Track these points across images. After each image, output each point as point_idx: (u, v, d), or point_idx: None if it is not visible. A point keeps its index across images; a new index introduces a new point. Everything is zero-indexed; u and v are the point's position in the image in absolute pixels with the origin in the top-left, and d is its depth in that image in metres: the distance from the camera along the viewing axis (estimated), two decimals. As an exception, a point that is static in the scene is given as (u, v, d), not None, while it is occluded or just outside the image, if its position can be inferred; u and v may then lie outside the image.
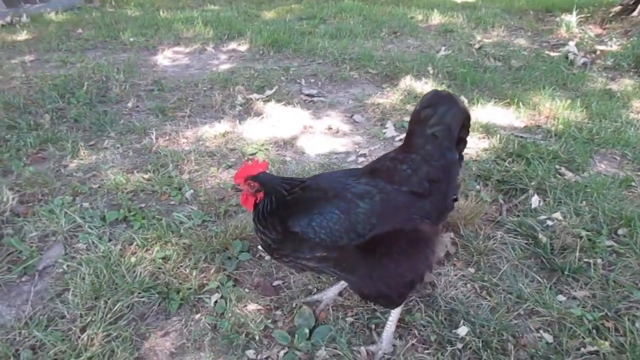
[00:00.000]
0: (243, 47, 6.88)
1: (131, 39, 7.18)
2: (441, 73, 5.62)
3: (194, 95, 5.14)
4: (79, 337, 2.19)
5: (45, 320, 2.30)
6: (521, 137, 4.23)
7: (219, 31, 7.49)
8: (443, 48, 6.64)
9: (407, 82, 5.30)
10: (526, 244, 2.91)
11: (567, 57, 6.48)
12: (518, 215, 3.17)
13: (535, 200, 3.29)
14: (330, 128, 4.42)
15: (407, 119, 4.51)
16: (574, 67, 6.22)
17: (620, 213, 3.10)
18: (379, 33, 7.62)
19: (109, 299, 2.38)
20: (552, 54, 6.78)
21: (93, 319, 2.27)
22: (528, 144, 3.99)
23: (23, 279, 2.61)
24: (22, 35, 7.44)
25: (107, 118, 4.46)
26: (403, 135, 4.16)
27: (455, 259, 2.82)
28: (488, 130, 4.31)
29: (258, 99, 4.90)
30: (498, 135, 4.17)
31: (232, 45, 6.99)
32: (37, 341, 2.20)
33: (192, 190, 3.35)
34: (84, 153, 3.85)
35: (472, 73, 5.59)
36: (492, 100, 4.90)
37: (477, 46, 6.95)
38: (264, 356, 2.19)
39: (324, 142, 4.19)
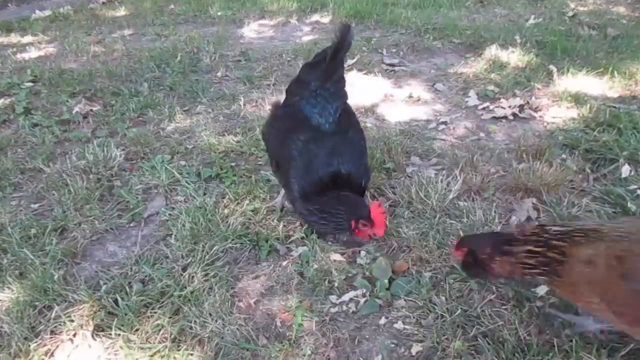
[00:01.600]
0: (326, 19, 6.97)
1: (219, 13, 7.50)
2: (529, 42, 5.40)
3: (279, 65, 5.33)
4: (181, 275, 2.46)
5: (152, 260, 2.59)
6: (614, 106, 4.02)
7: (302, 4, 7.62)
8: (532, 16, 6.35)
9: (492, 51, 5.15)
10: (613, 212, 2.82)
11: (671, 25, 5.98)
12: (606, 185, 3.06)
13: (626, 170, 3.15)
14: (411, 96, 4.44)
15: (491, 87, 4.44)
16: (678, 34, 5.73)
17: None
18: (464, 2, 7.40)
19: (206, 243, 2.63)
20: (655, 21, 6.27)
21: (193, 260, 2.53)
22: (621, 114, 3.79)
23: (131, 225, 2.93)
24: (121, 12, 8.00)
25: (199, 86, 4.77)
26: (486, 104, 4.16)
27: (536, 223, 2.80)
28: (578, 99, 4.14)
29: (339, 69, 4.99)
30: (588, 105, 3.99)
31: (315, 17, 7.10)
32: (145, 276, 2.49)
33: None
34: (179, 117, 4.17)
35: (563, 41, 5.33)
36: (583, 70, 4.66)
37: (570, 14, 6.58)
38: (346, 300, 2.34)
39: (404, 110, 4.22)
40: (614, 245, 1.70)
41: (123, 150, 3.67)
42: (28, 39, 6.83)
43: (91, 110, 4.33)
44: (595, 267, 1.70)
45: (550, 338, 2.09)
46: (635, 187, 3.02)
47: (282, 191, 2.87)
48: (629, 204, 2.83)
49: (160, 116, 4.23)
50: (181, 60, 5.43)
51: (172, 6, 8.07)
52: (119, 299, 2.31)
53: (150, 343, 2.11)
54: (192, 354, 2.08)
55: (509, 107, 4.04)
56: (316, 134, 2.56)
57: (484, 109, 4.13)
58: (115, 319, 2.22)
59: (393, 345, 2.14)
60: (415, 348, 2.11)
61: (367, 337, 2.19)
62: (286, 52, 5.63)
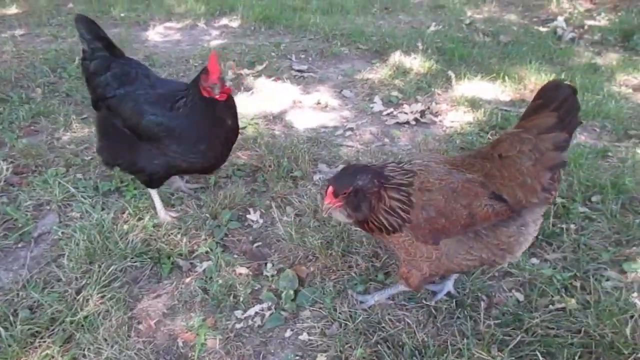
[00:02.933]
0: (235, 23, 6.88)
1: (122, 14, 7.15)
2: (430, 48, 5.68)
3: (185, 70, 5.18)
4: (75, 299, 2.31)
5: (42, 283, 2.42)
6: (505, 110, 4.32)
7: (210, 7, 7.46)
8: (433, 24, 6.67)
9: (396, 57, 5.35)
10: (504, 211, 3.02)
11: (555, 32, 6.55)
12: (498, 185, 3.28)
13: (514, 171, 3.39)
14: (319, 103, 4.50)
15: (395, 93, 4.61)
16: (561, 42, 6.29)
17: (595, 181, 3.23)
18: (370, 9, 7.63)
19: (102, 263, 2.49)
20: (541, 29, 6.84)
21: (88, 282, 2.39)
22: (511, 117, 4.09)
23: (19, 245, 2.72)
24: (12, 9, 7.38)
25: (99, 93, 4.51)
26: (390, 110, 4.31)
27: (435, 225, 2.94)
28: (473, 104, 4.41)
29: (248, 74, 4.96)
30: (483, 109, 4.26)
31: (224, 21, 6.99)
32: (34, 302, 2.31)
33: (182, 162, 3.44)
34: (76, 126, 3.92)
35: (460, 48, 5.65)
36: (479, 75, 4.98)
37: (467, 22, 6.99)
38: (252, 315, 2.32)
39: (312, 117, 4.27)
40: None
41: (11, 163, 3.39)
42: None
43: (-27, 120, 3.96)
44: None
45: (446, 338, 2.21)
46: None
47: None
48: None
49: (54, 125, 3.95)
50: (79, 64, 5.09)
51: (71, 5, 7.59)
52: (1, 329, 2.12)
53: (37, 378, 1.97)
54: (85, 385, 1.96)
55: (411, 112, 4.22)
56: None
57: (388, 114, 4.28)
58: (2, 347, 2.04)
59: (298, 358, 2.15)
60: (320, 358, 2.14)
61: (272, 351, 2.19)
62: (193, 57, 5.49)
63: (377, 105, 4.41)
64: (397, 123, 4.14)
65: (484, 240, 2.00)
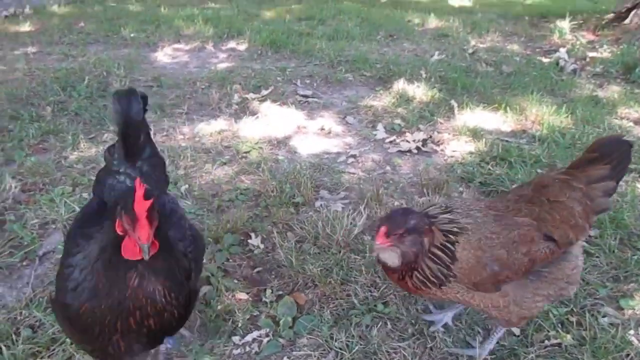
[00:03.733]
0: (242, 47, 7.02)
1: (132, 35, 7.31)
2: (433, 77, 5.77)
3: (192, 92, 5.28)
4: (77, 319, 2.34)
5: (44, 302, 2.45)
6: (506, 141, 4.39)
7: (219, 29, 7.63)
8: (437, 52, 6.79)
9: (400, 85, 5.44)
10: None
11: (557, 63, 6.64)
12: (497, 217, 3.32)
13: (514, 202, 3.44)
14: (323, 129, 4.57)
15: (398, 121, 4.68)
16: (563, 73, 6.38)
17: (593, 216, 3.25)
18: (375, 36, 7.77)
19: (105, 284, 2.52)
20: (543, 59, 6.95)
21: (90, 303, 2.42)
22: (512, 148, 4.15)
23: (24, 263, 2.76)
24: (25, 27, 7.57)
25: (107, 112, 4.60)
26: (393, 138, 4.38)
27: (434, 256, 2.97)
28: (475, 134, 4.47)
29: (254, 99, 5.05)
30: (484, 139, 4.33)
31: (232, 44, 7.13)
32: (36, 321, 2.35)
33: (187, 185, 3.50)
34: (84, 145, 3.99)
35: (463, 78, 5.75)
36: (480, 105, 5.06)
37: (470, 51, 7.11)
38: (249, 341, 2.35)
39: (316, 142, 4.34)
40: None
41: (19, 180, 3.45)
42: None
43: (-16, 137, 4.04)
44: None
45: (441, 369, 2.23)
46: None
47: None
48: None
49: (63, 144, 4.03)
50: (89, 83, 5.22)
51: (82, 24, 7.76)
52: (2, 347, 2.15)
53: (37, 399, 1.99)
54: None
55: (414, 141, 4.28)
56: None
57: (390, 142, 4.34)
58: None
59: (294, 385, 2.17)
60: (316, 387, 2.16)
61: (267, 380, 2.21)
62: (200, 79, 5.59)
63: (380, 133, 4.48)
64: (400, 151, 4.20)
65: (548, 278, 2.06)
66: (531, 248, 1.98)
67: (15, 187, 3.32)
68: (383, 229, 1.91)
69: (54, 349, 2.21)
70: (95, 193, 2.22)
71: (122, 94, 2.12)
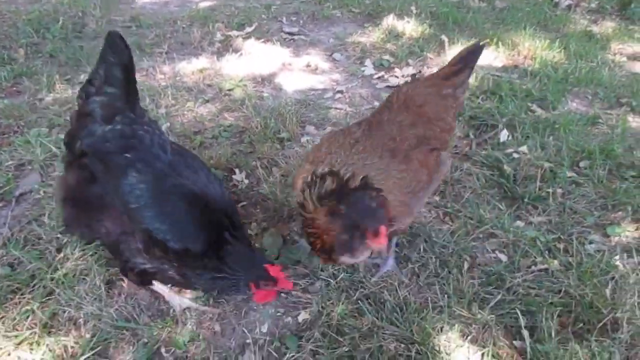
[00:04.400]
0: (224, -16, 6.69)
1: (109, -26, 6.93)
2: (424, 13, 5.55)
3: (173, 32, 5.05)
4: (55, 257, 2.29)
5: (22, 241, 2.39)
6: (497, 75, 4.26)
7: (200, -34, 7.24)
8: (428, -13, 6.51)
9: (389, 21, 5.24)
10: (491, 174, 3.02)
11: (552, -1, 6.42)
12: (486, 149, 3.26)
13: (504, 135, 3.38)
14: (309, 65, 4.41)
15: (387, 57, 4.53)
16: (557, 9, 6.17)
17: (584, 147, 3.21)
18: (364, -29, 7.42)
19: (84, 221, 2.46)
20: (538, -5, 6.71)
21: (69, 240, 2.37)
22: (503, 82, 4.04)
23: (0, 205, 2.68)
24: (-6, -31, 7.15)
25: (84, 53, 4.41)
26: (381, 74, 4.24)
27: (422, 188, 2.92)
28: (466, 69, 4.33)
29: (237, 36, 4.85)
30: (475, 74, 4.19)
31: (213, -19, 6.79)
32: (15, 259, 2.29)
33: (168, 123, 3.39)
34: (59, 87, 3.83)
35: (454, 13, 5.54)
36: (472, 40, 4.88)
37: (462, -14, 6.83)
38: (234, 273, 2.31)
39: (302, 79, 4.19)
40: None
41: (-9, 123, 3.33)
42: None
43: (-46, 79, 3.86)
44: None
45: (428, 296, 2.22)
46: (512, 150, 3.25)
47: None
48: (505, 167, 3.04)
49: (37, 86, 3.86)
50: (63, 25, 4.97)
51: (55, -36, 7.33)
52: (-18, 284, 2.11)
53: (18, 330, 1.96)
54: (65, 338, 1.95)
55: (402, 76, 4.16)
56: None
57: (379, 78, 4.22)
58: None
59: (280, 314, 2.16)
60: (302, 316, 2.15)
61: (254, 308, 2.19)
62: (181, 18, 5.35)
63: (368, 69, 4.34)
64: (388, 87, 4.07)
65: (434, 183, 2.23)
66: (430, 168, 2.09)
67: (-12, 129, 3.20)
68: (383, 229, 1.76)
69: (34, 285, 2.17)
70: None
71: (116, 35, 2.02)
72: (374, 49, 4.75)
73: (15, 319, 2.00)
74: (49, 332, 1.97)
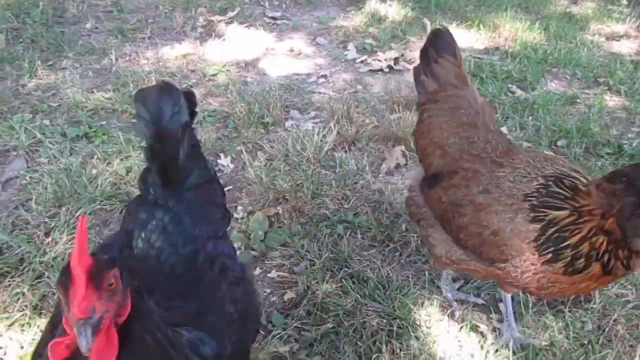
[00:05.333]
0: (206, -33, 6.62)
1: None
2: (407, -5, 5.58)
3: (155, 17, 5.01)
4: (44, 241, 2.32)
5: (10, 226, 2.42)
6: (478, 57, 4.33)
7: (180, -50, 7.16)
8: (411, -30, 6.52)
9: (372, 5, 5.25)
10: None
11: (533, -20, 6.47)
12: (467, 130, 3.33)
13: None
14: (292, 50, 4.43)
15: (370, 41, 4.56)
16: (538, -10, 6.23)
17: (562, 126, 3.30)
18: (347, -47, 7.39)
19: (71, 206, 2.50)
20: (520, -24, 6.75)
21: (57, 224, 2.40)
22: (484, 64, 4.10)
23: (-14, 191, 2.69)
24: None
25: (65, 39, 4.37)
26: (364, 58, 4.28)
27: (404, 169, 3.00)
28: (448, 52, 4.38)
29: (220, 21, 4.83)
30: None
31: (195, -35, 6.72)
32: (3, 244, 2.32)
33: (152, 109, 3.40)
34: (42, 73, 3.81)
35: (437, -5, 5.57)
36: (454, 23, 4.94)
37: (445, -31, 6.85)
38: (221, 254, 2.37)
39: (286, 64, 4.21)
40: None
41: (-26, 110, 3.31)
42: None
43: None
44: None
45: (409, 274, 2.30)
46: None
47: None
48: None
49: (19, 72, 3.83)
50: (44, 9, 4.90)
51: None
52: (-29, 269, 2.14)
53: (9, 312, 2.00)
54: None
55: (385, 60, 4.20)
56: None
57: (362, 62, 4.25)
58: (-34, 292, 2.06)
59: (266, 293, 2.23)
60: (288, 294, 2.21)
61: (241, 287, 2.25)
62: (163, 3, 5.29)
63: (351, 53, 4.37)
64: (371, 70, 4.12)
65: None
66: None
67: (-29, 117, 3.19)
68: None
69: (23, 269, 2.20)
70: (122, 228, 1.57)
71: (148, 93, 1.46)
72: (357, 33, 4.78)
73: (5, 301, 2.04)
74: (40, 314, 2.01)
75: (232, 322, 1.35)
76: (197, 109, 1.56)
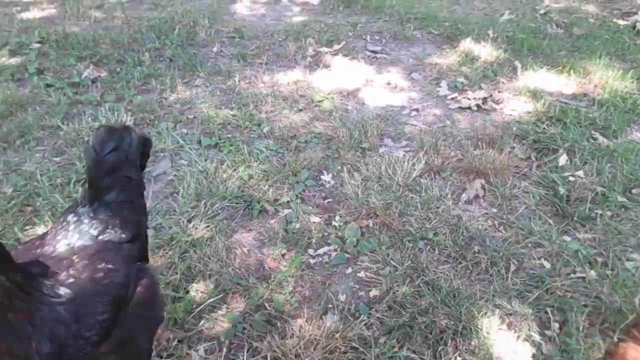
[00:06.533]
0: (315, 0, 7.35)
1: (213, -15, 7.80)
2: (500, 37, 5.92)
3: (270, 44, 5.75)
4: (187, 225, 2.98)
5: (162, 211, 3.10)
6: (565, 103, 4.60)
7: (293, -18, 7.97)
8: (507, 12, 6.85)
9: (466, 44, 5.66)
10: (545, 193, 3.42)
11: (634, 27, 6.53)
12: (544, 171, 3.66)
13: (563, 159, 3.75)
14: (389, 83, 4.95)
15: (461, 79, 4.97)
16: (639, 37, 6.30)
17: (638, 176, 3.53)
18: (437, -8, 7.84)
19: (208, 201, 3.15)
20: (619, 22, 6.82)
21: (197, 214, 3.06)
22: (569, 110, 4.37)
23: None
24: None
25: (197, 60, 5.18)
26: (455, 95, 4.70)
27: (482, 200, 3.39)
28: (535, 95, 4.70)
29: (327, 53, 5.46)
30: (543, 100, 4.56)
31: (306, -3, 7.48)
32: (157, 224, 3.00)
33: (269, 127, 4.04)
34: (180, 88, 4.61)
35: (530, 39, 5.86)
36: (544, 67, 5.23)
37: (542, 11, 7.09)
38: (321, 253, 2.91)
39: (382, 96, 4.74)
40: None
41: (131, 115, 4.12)
42: (28, -2, 7.08)
43: (99, 75, 4.74)
44: None
45: (477, 288, 2.70)
46: (568, 174, 3.62)
47: None
48: (559, 188, 3.43)
49: (162, 86, 4.65)
50: (179, 33, 5.80)
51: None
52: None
53: (165, 275, 2.65)
54: (197, 285, 2.62)
55: (474, 98, 4.59)
56: None
57: (452, 99, 4.67)
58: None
59: (355, 289, 2.72)
60: (373, 292, 2.70)
61: (336, 281, 2.77)
62: (277, 32, 6.04)
63: (443, 90, 4.81)
64: (460, 107, 4.53)
65: None
66: None
67: (130, 121, 3.99)
68: None
69: (172, 245, 2.86)
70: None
71: (106, 130, 1.75)
72: (450, 71, 5.21)
73: (161, 266, 2.69)
74: (186, 280, 2.64)
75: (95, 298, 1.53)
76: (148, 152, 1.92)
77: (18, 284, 1.29)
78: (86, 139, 3.67)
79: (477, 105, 4.54)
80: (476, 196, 3.41)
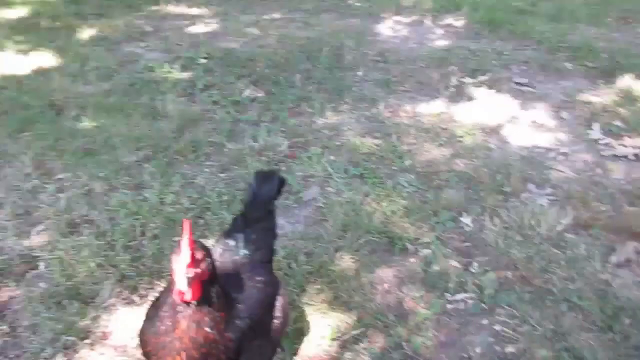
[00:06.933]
0: (459, 23, 7.33)
1: (357, 4, 8.11)
2: (668, 75, 5.47)
3: (413, 70, 5.87)
4: (335, 254, 3.25)
5: (312, 238, 3.40)
6: None
7: (436, 3, 8.00)
8: (678, 44, 6.28)
9: (625, 81, 5.31)
10: None
11: None
12: None
13: None
14: (534, 122, 4.83)
15: (617, 123, 4.69)
16: None
17: None
18: (604, 18, 7.36)
19: (354, 232, 3.39)
20: None
21: (343, 245, 3.31)
22: None
23: (294, 205, 3.75)
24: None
25: (344, 84, 5.47)
26: (608, 140, 4.46)
27: (635, 266, 3.23)
28: None
29: (470, 83, 5.46)
30: None
31: (449, 19, 7.48)
32: (307, 250, 3.30)
33: (410, 161, 4.19)
34: (328, 113, 4.92)
35: None
36: None
37: None
38: (458, 299, 3.00)
39: (527, 135, 4.64)
40: None
41: (284, 138, 4.50)
42: (195, 10, 7.93)
43: (257, 95, 5.22)
44: None
45: (625, 366, 2.62)
46: None
47: None
48: None
49: (312, 110, 4.99)
50: (328, 54, 6.14)
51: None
52: (293, 264, 3.13)
53: (314, 302, 2.93)
54: (340, 315, 2.87)
55: (632, 146, 4.31)
56: None
57: (605, 144, 4.44)
58: (290, 279, 3.05)
59: (491, 342, 2.79)
60: (509, 349, 2.74)
61: (472, 331, 2.85)
62: (420, 57, 6.14)
63: (595, 133, 4.58)
64: (614, 155, 4.29)
65: None
66: None
67: (284, 143, 4.38)
68: None
69: (321, 272, 3.13)
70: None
71: (261, 174, 2.43)
72: (604, 112, 4.94)
73: (310, 293, 2.99)
74: (333, 309, 2.91)
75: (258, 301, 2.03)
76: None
77: (224, 291, 1.77)
78: (247, 159, 4.11)
79: (636, 155, 4.26)
80: (628, 260, 3.26)
